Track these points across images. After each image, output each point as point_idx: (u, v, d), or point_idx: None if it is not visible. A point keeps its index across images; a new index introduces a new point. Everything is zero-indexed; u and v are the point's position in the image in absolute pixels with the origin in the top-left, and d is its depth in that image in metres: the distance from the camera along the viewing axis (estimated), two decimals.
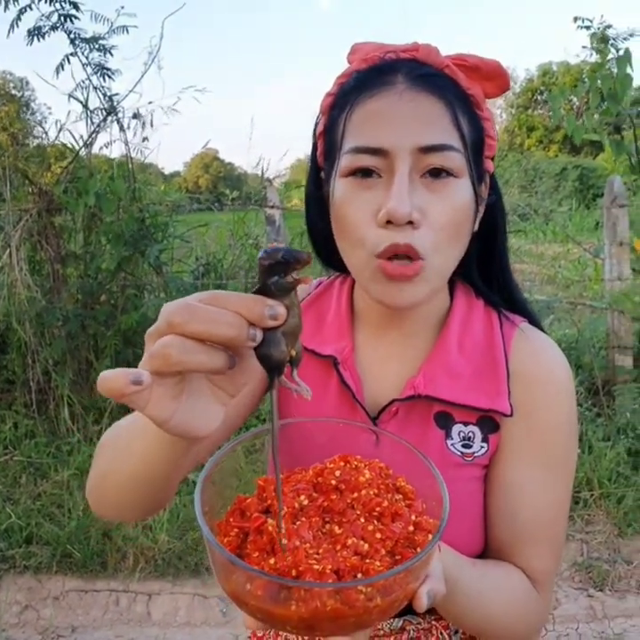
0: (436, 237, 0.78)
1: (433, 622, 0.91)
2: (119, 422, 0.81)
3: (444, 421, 0.87)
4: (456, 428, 0.87)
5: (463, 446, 0.87)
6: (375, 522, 0.63)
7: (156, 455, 0.68)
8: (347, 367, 0.90)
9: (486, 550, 0.91)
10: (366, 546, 0.60)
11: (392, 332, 0.92)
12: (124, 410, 3.93)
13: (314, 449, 0.72)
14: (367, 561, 0.58)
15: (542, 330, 0.95)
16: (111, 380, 0.53)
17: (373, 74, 0.81)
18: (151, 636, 2.74)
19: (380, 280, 0.80)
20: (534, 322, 0.95)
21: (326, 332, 0.94)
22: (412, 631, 0.90)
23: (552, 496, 0.88)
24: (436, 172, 0.78)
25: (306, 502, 0.65)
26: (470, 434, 0.87)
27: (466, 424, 0.87)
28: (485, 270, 0.95)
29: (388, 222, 0.76)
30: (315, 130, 0.90)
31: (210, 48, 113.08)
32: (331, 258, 0.95)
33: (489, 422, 0.86)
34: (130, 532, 3.15)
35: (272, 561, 0.58)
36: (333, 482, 0.67)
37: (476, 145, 0.82)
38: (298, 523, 0.63)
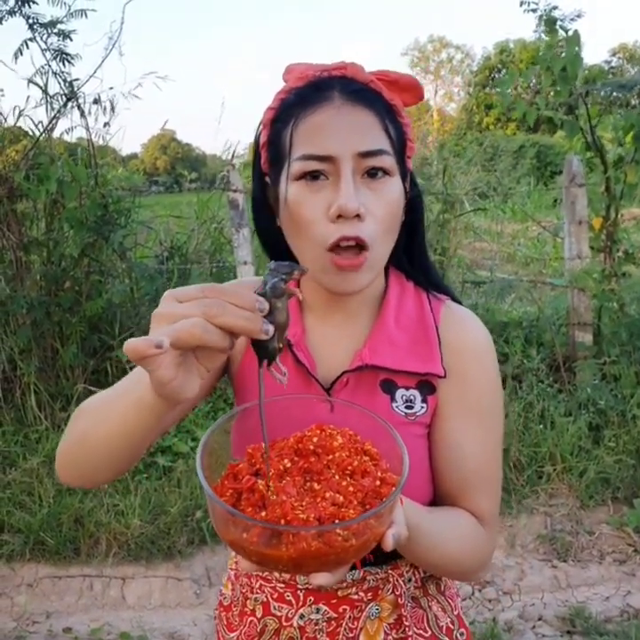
0: (378, 228, 0.91)
1: (389, 571, 1.02)
2: (95, 395, 0.94)
3: (389, 387, 1.00)
4: (399, 393, 0.99)
5: (406, 408, 0.99)
6: (348, 478, 0.74)
7: (134, 419, 0.79)
8: (300, 348, 1.01)
9: (436, 499, 1.03)
10: (341, 498, 0.70)
11: (336, 315, 1.04)
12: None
13: (285, 422, 0.83)
14: (342, 510, 0.69)
15: (462, 305, 1.10)
16: (137, 343, 0.64)
17: (311, 90, 0.93)
18: (126, 620, 2.76)
19: (332, 271, 0.92)
20: (455, 299, 1.09)
21: None
22: (371, 580, 1.01)
23: (487, 445, 1.01)
24: (374, 172, 0.90)
25: (289, 465, 0.76)
26: (411, 396, 0.99)
27: (407, 388, 1.00)
28: (409, 256, 1.08)
29: (339, 217, 0.88)
30: (257, 141, 1.00)
31: (171, 32, 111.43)
32: (278, 254, 1.06)
33: (427, 385, 1.00)
34: (102, 517, 3.16)
35: (263, 514, 0.69)
36: (311, 447, 0.78)
37: (400, 147, 0.95)
38: (283, 482, 0.73)
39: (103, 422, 0.85)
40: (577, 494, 3.41)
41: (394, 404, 0.99)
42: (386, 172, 0.91)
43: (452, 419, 1.00)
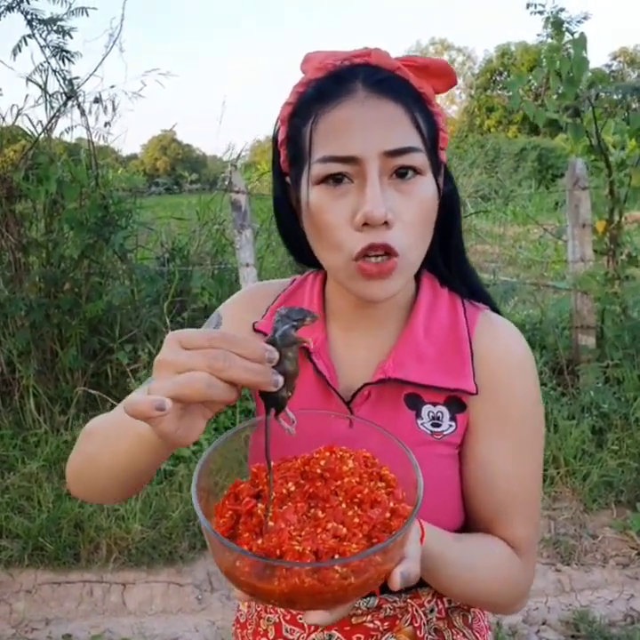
0: (408, 234, 0.83)
1: (408, 600, 0.94)
2: (103, 416, 0.92)
3: (414, 402, 0.92)
4: (425, 409, 0.92)
5: (433, 425, 0.91)
6: (355, 507, 0.68)
7: (137, 452, 0.78)
8: (320, 356, 0.95)
9: (469, 524, 0.96)
10: (344, 530, 0.65)
11: (362, 322, 0.97)
12: (92, 399, 3.89)
13: (299, 438, 0.77)
14: (344, 543, 0.63)
15: (501, 315, 1.01)
16: (137, 403, 0.62)
17: (332, 82, 0.85)
18: (127, 626, 2.74)
19: (359, 279, 0.85)
20: (494, 308, 1.01)
21: None
22: (388, 609, 0.94)
23: (524, 468, 0.94)
24: (404, 172, 0.83)
25: (293, 488, 0.71)
26: (439, 413, 0.92)
27: (434, 404, 0.92)
28: (445, 257, 1.00)
29: (365, 224, 0.81)
30: (275, 138, 0.93)
31: (169, 33, 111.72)
32: (303, 255, 1.00)
33: (456, 402, 0.92)
34: (102, 522, 3.13)
35: (260, 541, 0.64)
36: (319, 470, 0.72)
37: (432, 140, 0.87)
38: (284, 507, 0.68)
39: (108, 449, 0.83)
40: (580, 498, 3.39)
41: (419, 421, 0.91)
42: (416, 171, 0.83)
43: (484, 439, 0.92)
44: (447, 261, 1.00)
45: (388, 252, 0.82)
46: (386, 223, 0.81)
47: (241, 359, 0.62)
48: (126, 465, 0.81)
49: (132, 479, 0.85)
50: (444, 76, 0.89)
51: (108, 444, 0.83)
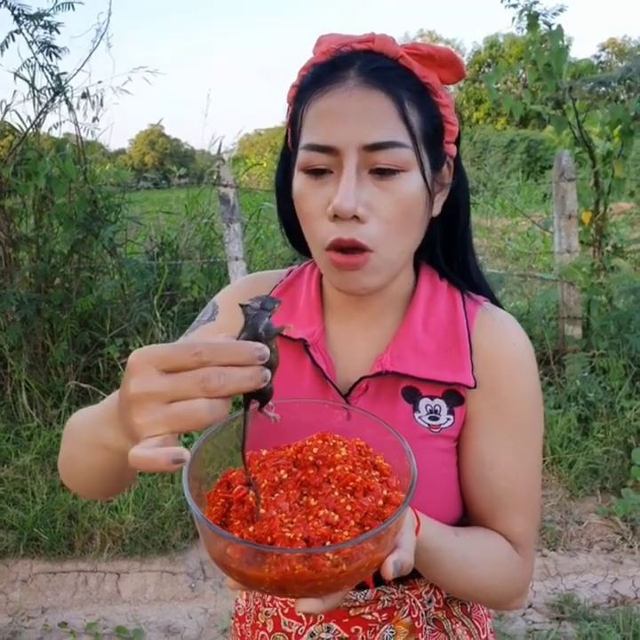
0: (384, 230, 0.82)
1: (406, 591, 0.94)
2: (83, 413, 0.87)
3: (411, 396, 0.91)
4: (423, 402, 0.91)
5: (430, 419, 0.90)
6: (348, 495, 0.67)
7: (111, 461, 0.75)
8: (317, 349, 0.94)
9: (467, 518, 0.96)
10: (337, 517, 0.64)
11: (360, 314, 0.96)
12: (84, 393, 3.91)
13: (296, 427, 0.77)
14: (336, 531, 0.63)
15: (502, 308, 1.00)
16: (153, 461, 0.55)
17: (328, 69, 0.84)
18: (121, 614, 2.77)
19: (333, 269, 0.85)
20: (495, 301, 1.00)
21: (298, 318, 0.98)
22: (386, 601, 0.94)
23: (524, 463, 0.92)
24: (381, 171, 0.81)
25: (285, 476, 0.70)
26: (437, 407, 0.91)
27: (432, 398, 0.91)
28: (447, 252, 0.98)
29: (336, 216, 0.80)
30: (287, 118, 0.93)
31: (157, 31, 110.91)
32: (302, 243, 0.96)
33: (454, 395, 0.91)
34: (96, 513, 3.16)
35: (251, 528, 0.64)
36: (311, 458, 0.71)
37: (429, 134, 0.85)
38: (276, 495, 0.68)
39: (82, 453, 0.81)
40: (566, 485, 3.45)
41: (416, 414, 0.91)
42: (398, 169, 0.81)
43: (482, 433, 0.91)
44: (449, 255, 0.98)
45: (357, 247, 0.81)
46: (357, 218, 0.80)
47: (234, 370, 0.58)
48: (100, 469, 0.79)
49: (111, 481, 0.83)
50: (450, 66, 0.86)
51: (80, 448, 0.81)
